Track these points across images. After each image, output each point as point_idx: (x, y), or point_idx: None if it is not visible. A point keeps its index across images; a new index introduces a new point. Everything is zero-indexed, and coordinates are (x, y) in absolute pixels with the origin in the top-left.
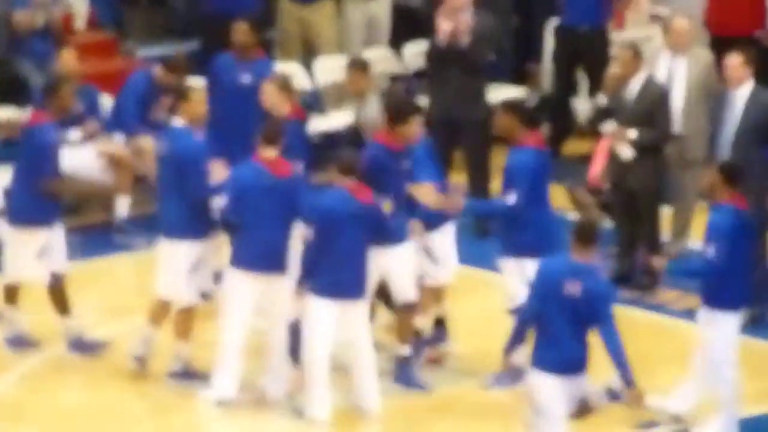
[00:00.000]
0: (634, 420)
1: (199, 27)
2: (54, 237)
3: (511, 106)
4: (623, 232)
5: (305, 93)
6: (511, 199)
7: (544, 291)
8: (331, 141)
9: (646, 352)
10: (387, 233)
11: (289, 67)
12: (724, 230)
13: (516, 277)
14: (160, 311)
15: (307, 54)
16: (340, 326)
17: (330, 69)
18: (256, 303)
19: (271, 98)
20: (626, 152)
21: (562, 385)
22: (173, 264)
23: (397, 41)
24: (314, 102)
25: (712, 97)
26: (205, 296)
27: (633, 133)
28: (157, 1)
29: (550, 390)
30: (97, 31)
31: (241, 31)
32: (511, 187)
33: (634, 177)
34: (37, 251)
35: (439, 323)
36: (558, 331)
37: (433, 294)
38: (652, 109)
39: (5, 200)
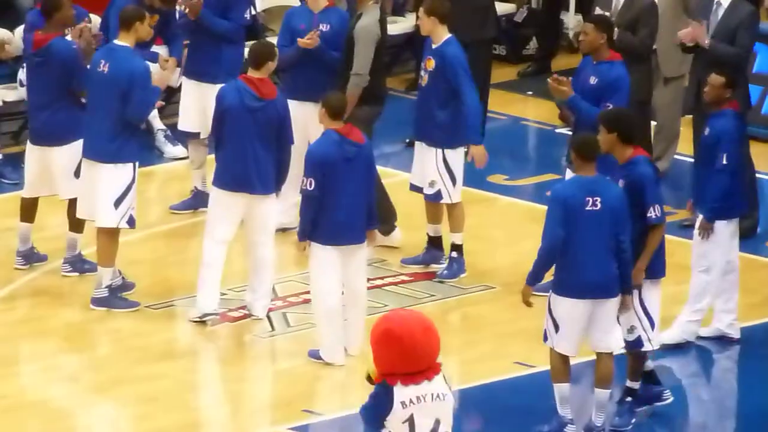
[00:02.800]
0: None
1: None
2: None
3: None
4: None
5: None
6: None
7: (565, 215)
8: None
9: None
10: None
11: None
12: (732, 135)
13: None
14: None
15: None
16: (342, 270)
17: None
18: (238, 221)
19: None
20: None
21: (584, 309)
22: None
23: None
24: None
25: (690, 12)
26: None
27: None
28: None
29: (571, 313)
30: None
31: None
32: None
33: None
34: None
35: (436, 242)
36: (583, 254)
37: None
38: (637, 18)
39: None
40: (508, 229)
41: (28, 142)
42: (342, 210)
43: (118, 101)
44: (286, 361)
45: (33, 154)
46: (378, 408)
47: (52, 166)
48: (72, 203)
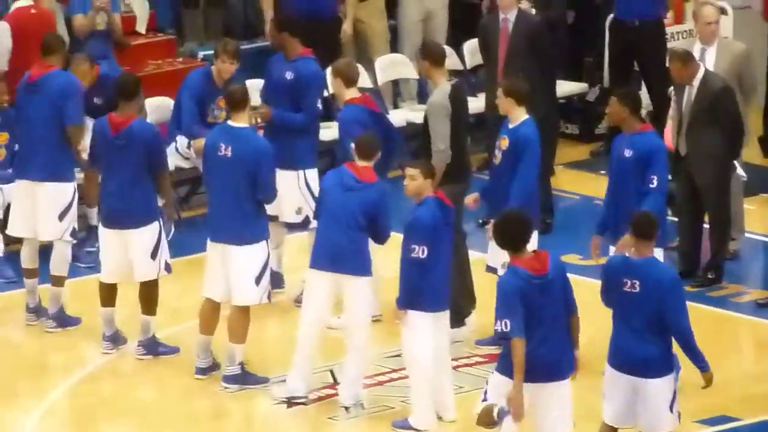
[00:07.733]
0: None
1: (257, 28)
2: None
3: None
4: (685, 225)
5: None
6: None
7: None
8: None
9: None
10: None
11: None
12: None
13: None
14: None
15: (361, 52)
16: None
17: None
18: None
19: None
20: (742, 174)
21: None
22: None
23: (455, 37)
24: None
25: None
26: None
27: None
28: (214, 3)
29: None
30: (157, 33)
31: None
32: None
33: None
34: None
35: None
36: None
37: None
38: (713, 104)
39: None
40: (582, 309)
41: (100, 225)
42: (442, 275)
43: (246, 182)
44: None
45: (110, 238)
46: None
47: (131, 249)
48: (145, 285)
